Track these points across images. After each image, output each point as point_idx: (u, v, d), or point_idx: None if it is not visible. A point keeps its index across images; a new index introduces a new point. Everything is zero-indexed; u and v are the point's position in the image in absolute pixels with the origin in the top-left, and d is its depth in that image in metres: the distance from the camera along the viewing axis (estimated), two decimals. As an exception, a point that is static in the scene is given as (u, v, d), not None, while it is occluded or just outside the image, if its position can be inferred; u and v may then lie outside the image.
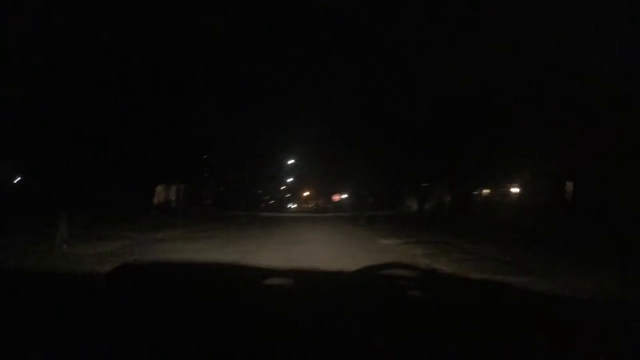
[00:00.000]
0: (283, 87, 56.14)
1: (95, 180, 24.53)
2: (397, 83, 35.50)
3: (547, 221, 18.29)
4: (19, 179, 27.34)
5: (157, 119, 29.55)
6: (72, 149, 24.34)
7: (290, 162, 60.88)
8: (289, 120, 59.49)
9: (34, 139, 23.35)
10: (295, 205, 75.77)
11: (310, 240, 12.95)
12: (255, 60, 46.86)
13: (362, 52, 40.87)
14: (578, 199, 23.81)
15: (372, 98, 40.08)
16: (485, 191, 38.11)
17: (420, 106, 33.86)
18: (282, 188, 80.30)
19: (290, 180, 75.94)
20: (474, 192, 39.22)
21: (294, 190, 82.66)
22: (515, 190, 31.94)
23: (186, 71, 32.54)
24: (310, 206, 67.61)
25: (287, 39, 42.23)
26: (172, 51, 30.16)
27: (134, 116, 27.40)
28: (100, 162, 24.83)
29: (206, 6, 33.81)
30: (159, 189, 36.97)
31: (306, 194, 79.56)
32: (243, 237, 14.04)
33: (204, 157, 45.77)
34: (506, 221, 19.91)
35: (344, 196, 54.96)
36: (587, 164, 22.25)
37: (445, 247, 10.30)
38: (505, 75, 25.73)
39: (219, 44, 37.34)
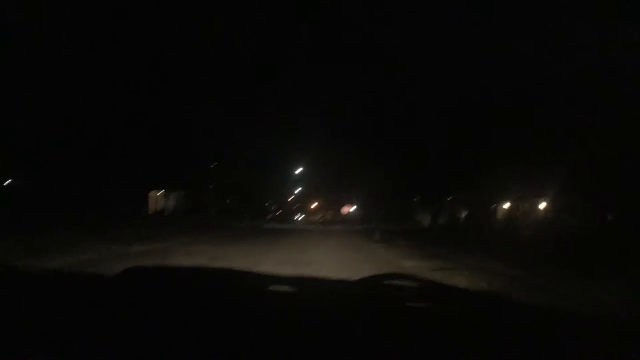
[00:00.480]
0: (292, 96, 54.74)
1: (81, 184, 22.24)
2: (410, 92, 33.48)
3: (584, 240, 16.00)
4: (10, 180, 25.49)
5: (154, 121, 27.44)
6: (60, 150, 22.24)
7: (298, 171, 58.92)
8: (298, 129, 57.98)
9: (24, 138, 21.42)
10: (303, 216, 73.92)
11: (318, 260, 10.49)
12: (262, 67, 45.47)
13: (374, 60, 39.09)
14: (620, 217, 21.11)
15: (382, 106, 38.11)
16: (506, 205, 35.32)
17: (433, 115, 31.77)
18: (289, 198, 78.61)
19: (297, 190, 74.08)
20: (493, 206, 36.56)
21: (302, 201, 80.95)
22: (542, 205, 29.15)
23: (193, 82, 30.81)
24: (318, 217, 65.67)
25: (295, 44, 40.82)
26: (176, 56, 28.39)
27: (129, 119, 25.22)
28: (88, 165, 22.53)
29: (210, 14, 32.28)
30: (155, 195, 34.67)
31: (314, 205, 77.50)
32: (237, 252, 11.63)
33: (211, 165, 44.36)
34: (538, 240, 17.39)
35: (353, 208, 52.55)
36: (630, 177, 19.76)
37: (499, 279, 7.74)
38: (533, 76, 23.58)
39: (225, 49, 35.77)
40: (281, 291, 1.40)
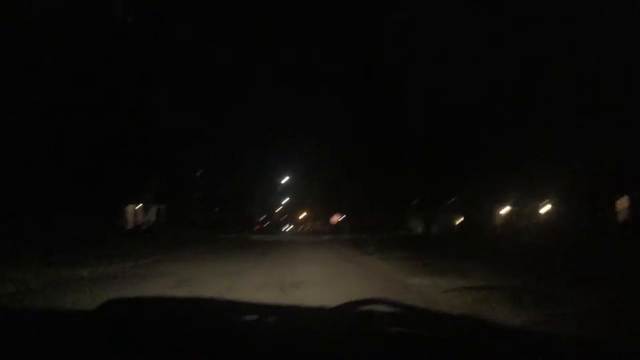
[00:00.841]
0: (280, 105, 53.51)
1: (41, 196, 20.23)
2: (398, 95, 32.20)
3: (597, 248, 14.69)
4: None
5: (132, 129, 25.63)
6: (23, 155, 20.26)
7: (286, 181, 57.59)
8: (286, 139, 56.86)
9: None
10: (291, 227, 72.41)
11: (309, 281, 8.82)
12: (249, 74, 44.23)
13: (359, 64, 37.97)
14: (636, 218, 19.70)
15: (372, 112, 36.77)
16: (504, 211, 33.90)
17: (423, 118, 30.44)
18: (277, 209, 77.01)
19: (285, 200, 72.54)
20: (489, 212, 35.12)
21: (290, 211, 79.36)
22: (544, 209, 27.75)
23: (177, 89, 29.21)
24: (306, 228, 64.37)
25: (286, 55, 39.73)
26: (159, 60, 26.78)
27: (105, 126, 23.33)
28: (50, 175, 20.53)
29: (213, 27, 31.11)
30: (133, 209, 32.69)
31: (302, 215, 75.93)
32: (214, 273, 9.93)
33: (197, 174, 42.73)
34: (544, 248, 15.97)
35: (343, 218, 51.06)
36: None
37: (541, 302, 6.09)
38: (531, 77, 22.27)
39: (216, 55, 34.37)
40: (252, 320, 1.30)
